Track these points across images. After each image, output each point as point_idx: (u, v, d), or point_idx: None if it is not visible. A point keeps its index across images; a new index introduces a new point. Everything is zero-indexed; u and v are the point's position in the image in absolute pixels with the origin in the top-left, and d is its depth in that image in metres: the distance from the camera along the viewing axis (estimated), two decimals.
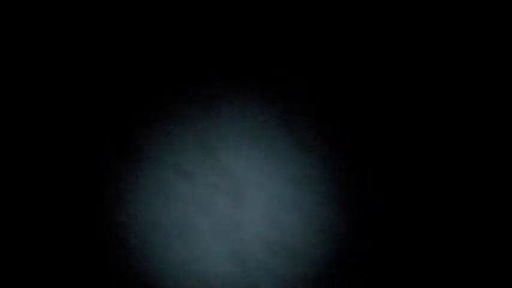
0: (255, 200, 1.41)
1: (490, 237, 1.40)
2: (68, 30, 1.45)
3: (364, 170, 1.45)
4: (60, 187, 1.40)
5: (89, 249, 1.38)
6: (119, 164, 1.41)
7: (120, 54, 1.44)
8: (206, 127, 1.42)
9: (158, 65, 1.43)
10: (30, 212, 1.38)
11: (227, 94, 1.43)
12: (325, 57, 1.48)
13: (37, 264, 1.37)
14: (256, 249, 1.41)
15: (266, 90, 1.46)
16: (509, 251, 1.38)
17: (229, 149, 1.43)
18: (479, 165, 1.44)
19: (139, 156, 1.41)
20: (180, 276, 1.36)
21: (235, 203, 1.40)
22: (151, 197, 1.41)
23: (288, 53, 1.47)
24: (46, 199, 1.39)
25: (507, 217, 1.40)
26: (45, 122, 1.42)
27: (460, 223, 1.42)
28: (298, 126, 1.46)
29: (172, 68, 1.42)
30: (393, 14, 1.48)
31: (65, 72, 1.45)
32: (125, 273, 1.36)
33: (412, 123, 1.47)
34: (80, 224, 1.39)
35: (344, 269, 1.40)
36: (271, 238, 1.39)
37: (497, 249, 1.39)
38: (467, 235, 1.41)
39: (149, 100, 1.43)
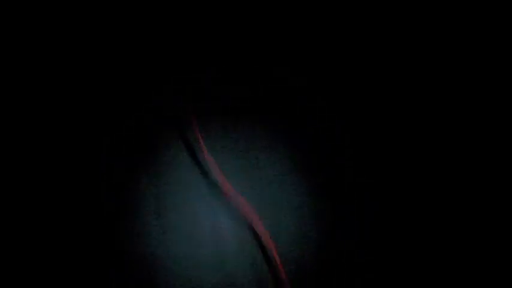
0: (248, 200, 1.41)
1: (490, 237, 1.40)
2: (68, 30, 1.45)
3: (365, 169, 1.45)
4: (59, 187, 1.40)
5: (88, 249, 1.38)
6: (118, 163, 1.41)
7: (120, 54, 1.44)
8: (208, 126, 1.41)
9: (158, 65, 1.43)
10: (29, 212, 1.38)
11: (227, 94, 1.42)
12: (325, 57, 1.48)
13: (36, 264, 1.36)
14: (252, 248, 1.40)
15: (266, 90, 1.46)
16: (510, 252, 1.38)
17: (228, 144, 1.43)
18: (480, 167, 1.43)
19: (139, 156, 1.41)
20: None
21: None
22: (151, 196, 1.41)
23: (288, 53, 1.47)
24: (45, 199, 1.39)
25: (507, 219, 1.40)
26: (45, 122, 1.42)
27: (460, 224, 1.42)
28: (297, 126, 1.46)
29: (172, 68, 1.42)
30: (393, 14, 1.48)
31: (65, 72, 1.44)
32: (125, 271, 1.36)
33: (414, 123, 1.46)
34: (79, 223, 1.39)
35: (344, 269, 1.40)
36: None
37: (497, 250, 1.39)
38: (467, 236, 1.41)
39: (149, 100, 1.43)
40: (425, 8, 1.48)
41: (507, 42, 1.45)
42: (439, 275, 1.40)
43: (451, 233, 1.42)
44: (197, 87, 1.40)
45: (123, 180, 1.40)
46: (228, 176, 1.40)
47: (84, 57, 1.45)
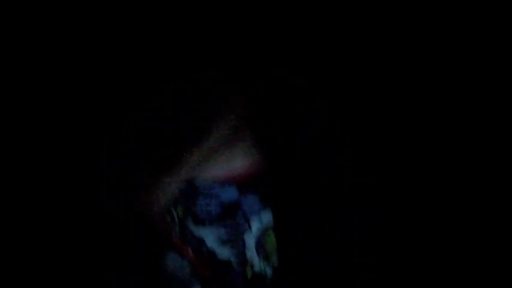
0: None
1: (490, 237, 1.40)
2: (68, 30, 1.45)
3: (365, 169, 1.45)
4: (59, 187, 1.40)
5: (88, 248, 1.38)
6: (119, 163, 1.41)
7: (120, 54, 1.44)
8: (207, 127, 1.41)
9: (158, 65, 1.43)
10: (29, 212, 1.38)
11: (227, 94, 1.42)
12: (325, 57, 1.48)
13: (36, 263, 1.36)
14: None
15: (266, 90, 1.46)
16: (509, 252, 1.38)
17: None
18: (479, 167, 1.43)
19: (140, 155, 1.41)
20: None
21: None
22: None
23: (288, 53, 1.47)
24: (45, 199, 1.39)
25: (507, 219, 1.40)
26: (45, 122, 1.42)
27: (459, 223, 1.42)
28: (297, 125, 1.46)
29: (172, 68, 1.42)
30: (393, 14, 1.48)
31: (65, 72, 1.45)
32: (125, 271, 1.36)
33: (414, 123, 1.47)
34: (79, 223, 1.39)
35: (344, 269, 1.40)
36: None
37: (497, 251, 1.39)
38: (466, 236, 1.41)
39: (149, 100, 1.43)
40: (425, 8, 1.48)
41: (507, 42, 1.45)
42: (439, 275, 1.40)
43: (450, 232, 1.42)
44: (197, 87, 1.40)
45: (123, 180, 1.40)
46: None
47: (84, 57, 1.45)
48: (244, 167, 1.12)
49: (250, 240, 1.09)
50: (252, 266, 1.09)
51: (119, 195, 1.40)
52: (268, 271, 1.11)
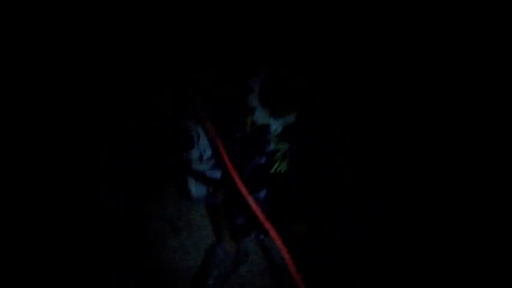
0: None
1: (489, 236, 1.40)
2: (68, 30, 1.45)
3: (365, 169, 1.45)
4: (60, 187, 1.40)
5: (87, 248, 1.38)
6: (119, 163, 1.42)
7: (120, 54, 1.44)
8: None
9: (158, 65, 1.43)
10: (30, 212, 1.38)
11: (227, 94, 1.42)
12: (325, 57, 1.48)
13: (36, 263, 1.37)
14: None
15: (266, 90, 1.46)
16: (510, 252, 1.38)
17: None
18: (479, 167, 1.43)
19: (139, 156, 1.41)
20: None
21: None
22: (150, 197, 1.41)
23: (288, 53, 1.47)
24: (45, 198, 1.39)
25: (507, 219, 1.40)
26: (46, 122, 1.42)
27: (459, 223, 1.42)
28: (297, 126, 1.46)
29: (172, 68, 1.42)
30: (393, 14, 1.48)
31: (65, 72, 1.45)
32: (125, 271, 1.36)
33: (413, 123, 1.47)
34: (79, 223, 1.39)
35: (344, 269, 1.40)
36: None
37: (497, 250, 1.39)
38: (466, 235, 1.41)
39: (149, 100, 1.43)
40: (425, 8, 1.48)
41: (507, 42, 1.45)
42: (438, 275, 1.40)
43: (450, 232, 1.42)
44: (197, 87, 1.40)
45: (123, 180, 1.40)
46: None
47: (84, 57, 1.45)
48: None
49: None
50: (252, 115, 1.10)
51: (119, 195, 1.40)
52: (274, 123, 1.12)
